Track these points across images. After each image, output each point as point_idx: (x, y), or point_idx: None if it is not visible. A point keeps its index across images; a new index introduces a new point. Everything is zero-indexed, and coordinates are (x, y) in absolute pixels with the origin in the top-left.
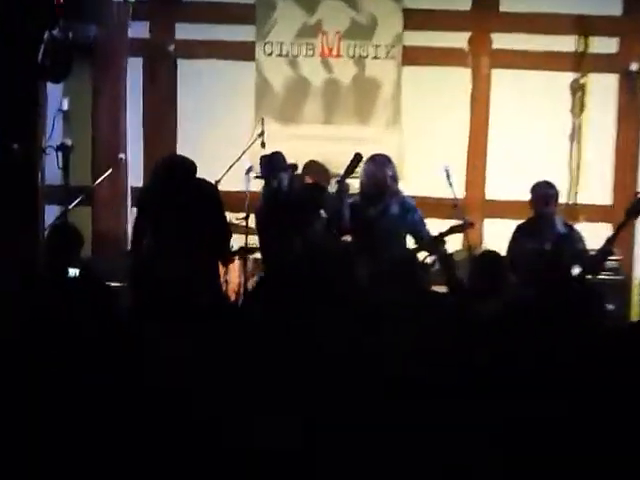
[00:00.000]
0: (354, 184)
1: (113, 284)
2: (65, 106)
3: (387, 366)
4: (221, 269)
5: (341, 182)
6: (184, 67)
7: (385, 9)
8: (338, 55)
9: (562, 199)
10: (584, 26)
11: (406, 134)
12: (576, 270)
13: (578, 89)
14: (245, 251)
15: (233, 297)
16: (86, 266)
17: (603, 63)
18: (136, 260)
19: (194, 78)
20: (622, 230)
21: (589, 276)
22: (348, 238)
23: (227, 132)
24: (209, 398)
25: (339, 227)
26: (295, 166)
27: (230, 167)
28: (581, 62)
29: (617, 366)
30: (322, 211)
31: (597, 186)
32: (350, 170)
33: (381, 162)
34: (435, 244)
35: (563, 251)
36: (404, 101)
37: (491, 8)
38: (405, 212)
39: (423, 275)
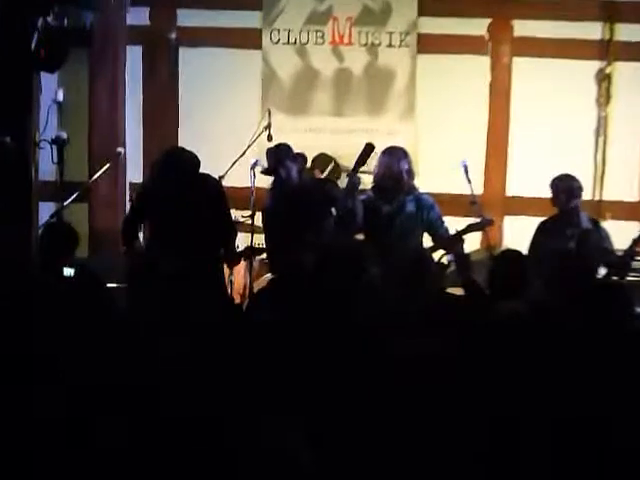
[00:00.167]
0: (367, 179)
1: (111, 285)
2: (60, 97)
3: (398, 369)
4: (226, 270)
5: (352, 175)
6: (186, 56)
7: None
8: (349, 43)
9: (587, 195)
10: (610, 12)
11: (421, 127)
12: (602, 271)
13: (604, 79)
14: (251, 252)
15: (238, 299)
16: (82, 266)
17: (630, 51)
18: (133, 260)
19: (197, 67)
20: None
21: (616, 277)
22: (360, 237)
23: (231, 125)
24: (211, 402)
25: (351, 225)
26: (304, 156)
27: (235, 162)
28: (607, 50)
29: None
30: (333, 208)
31: (624, 181)
32: (361, 162)
33: (397, 155)
34: (453, 243)
35: (589, 250)
36: (419, 92)
37: None
38: (422, 209)
39: (439, 276)
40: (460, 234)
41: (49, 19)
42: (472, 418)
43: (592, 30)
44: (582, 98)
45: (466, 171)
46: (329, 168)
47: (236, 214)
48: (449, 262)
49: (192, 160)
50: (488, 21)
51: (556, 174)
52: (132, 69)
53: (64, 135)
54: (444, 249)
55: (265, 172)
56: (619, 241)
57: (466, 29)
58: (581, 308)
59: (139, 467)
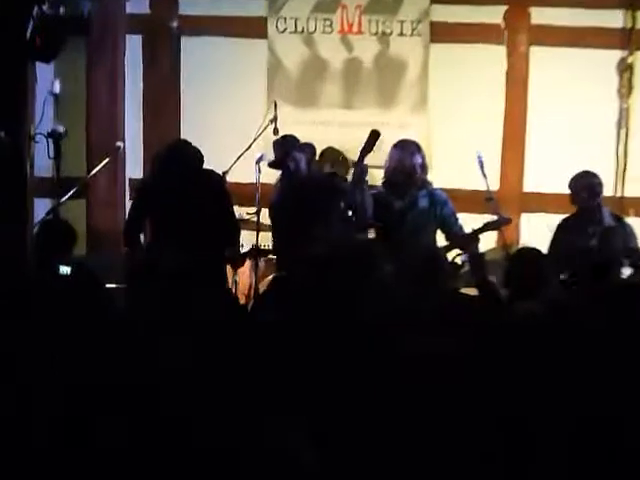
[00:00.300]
0: (376, 174)
1: (110, 285)
2: (56, 89)
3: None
4: (230, 270)
5: (359, 164)
6: (188, 45)
7: None
8: (359, 32)
9: (608, 191)
10: None
11: (434, 119)
12: (627, 270)
13: (626, 69)
14: (256, 251)
15: (242, 300)
16: (79, 265)
17: None
18: (134, 258)
19: (199, 58)
20: None
21: None
22: (371, 234)
23: (236, 118)
24: (212, 402)
25: (361, 219)
26: (313, 147)
27: (239, 156)
28: (629, 39)
29: None
30: (342, 202)
31: None
32: (367, 149)
33: (409, 149)
34: (468, 242)
35: (611, 248)
36: (432, 83)
37: None
38: (435, 205)
39: (452, 275)
40: (476, 233)
41: (45, 7)
42: (484, 419)
43: (613, 18)
44: (603, 89)
45: (481, 165)
46: (337, 163)
47: (241, 211)
48: (463, 262)
49: (195, 155)
50: (504, 8)
51: (576, 169)
52: (132, 59)
53: (61, 128)
54: (459, 248)
55: (272, 165)
56: None
57: (481, 17)
58: (603, 309)
59: (139, 468)
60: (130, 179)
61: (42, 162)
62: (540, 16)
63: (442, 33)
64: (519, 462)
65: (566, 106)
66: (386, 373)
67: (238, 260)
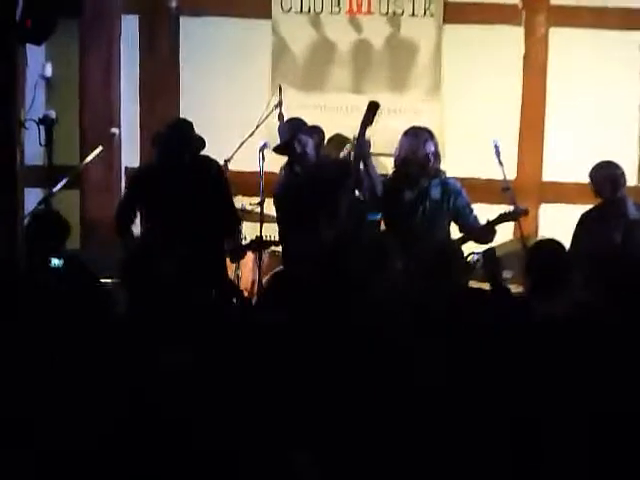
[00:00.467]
0: (386, 163)
1: (105, 280)
2: (48, 72)
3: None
4: (231, 264)
5: (360, 139)
6: (188, 26)
7: None
8: (368, 12)
9: (631, 181)
10: None
11: (448, 104)
12: None
13: None
14: (259, 244)
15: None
16: (72, 257)
17: None
18: (128, 251)
19: (199, 39)
20: None
21: None
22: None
23: (238, 103)
24: (215, 408)
25: (373, 199)
26: (321, 130)
27: (242, 144)
28: None
29: None
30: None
31: None
32: (367, 122)
33: (422, 137)
34: (484, 234)
35: (637, 243)
36: (445, 66)
37: None
38: (448, 195)
39: (466, 270)
40: (492, 224)
41: None
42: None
43: None
44: (625, 72)
45: (497, 153)
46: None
47: (244, 201)
48: (476, 262)
49: (199, 140)
50: None
51: (597, 157)
52: (128, 41)
53: (52, 114)
54: (474, 241)
55: (277, 149)
56: None
57: None
58: (628, 309)
59: (138, 474)
60: (126, 167)
61: (33, 150)
62: None
63: (456, 13)
64: (535, 464)
65: (587, 91)
66: (397, 377)
67: (239, 253)
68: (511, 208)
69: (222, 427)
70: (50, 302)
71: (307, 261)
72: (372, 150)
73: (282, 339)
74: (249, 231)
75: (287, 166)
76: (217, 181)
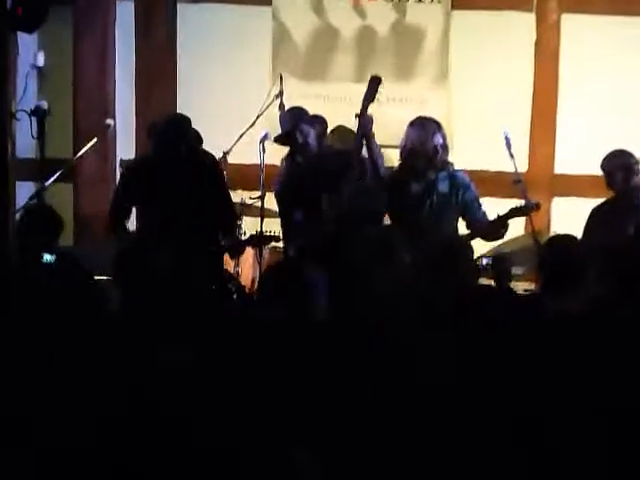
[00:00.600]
0: (392, 155)
1: (99, 277)
2: (40, 61)
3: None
4: (230, 260)
5: (362, 116)
6: (185, 13)
7: None
8: None
9: None
10: None
11: (456, 93)
12: None
13: None
14: (259, 239)
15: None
16: (66, 255)
17: None
18: (122, 247)
19: (197, 26)
20: None
21: None
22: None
23: (237, 93)
24: (214, 406)
25: (376, 178)
26: (324, 120)
27: (241, 135)
28: None
29: None
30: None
31: None
32: (369, 98)
33: (429, 128)
34: (494, 230)
35: None
36: (453, 53)
37: None
38: (456, 189)
39: (474, 268)
40: (502, 219)
41: None
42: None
43: None
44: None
45: (508, 144)
46: (349, 143)
47: (244, 195)
48: (486, 265)
49: (196, 134)
50: None
51: (612, 148)
52: (123, 28)
53: (45, 105)
54: (483, 237)
55: (278, 139)
56: None
57: None
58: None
59: (137, 474)
60: (121, 160)
61: (24, 142)
62: None
63: None
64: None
65: (601, 79)
66: (400, 373)
67: (237, 249)
68: (522, 202)
69: (222, 424)
70: (42, 298)
71: (309, 252)
72: (378, 144)
73: (281, 334)
74: (249, 226)
75: (288, 157)
76: (212, 174)
